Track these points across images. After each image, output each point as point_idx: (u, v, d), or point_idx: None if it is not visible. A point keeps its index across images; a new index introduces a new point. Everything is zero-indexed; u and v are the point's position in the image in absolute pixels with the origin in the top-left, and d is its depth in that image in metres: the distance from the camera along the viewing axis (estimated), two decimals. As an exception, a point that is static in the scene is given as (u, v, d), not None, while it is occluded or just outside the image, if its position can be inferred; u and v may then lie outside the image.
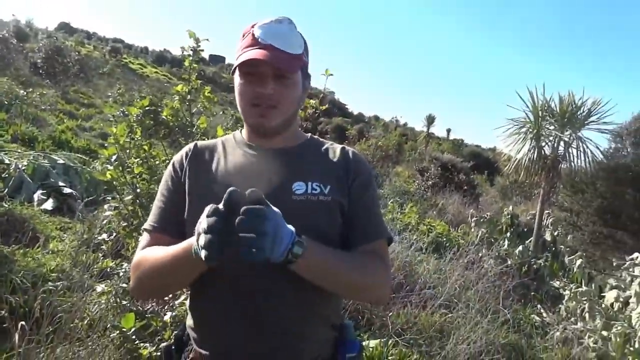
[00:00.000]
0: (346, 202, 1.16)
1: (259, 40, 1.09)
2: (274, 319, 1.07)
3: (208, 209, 0.90)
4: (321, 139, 1.31)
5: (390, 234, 1.25)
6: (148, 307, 2.37)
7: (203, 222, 0.89)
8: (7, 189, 5.28)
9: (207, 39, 2.51)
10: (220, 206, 0.89)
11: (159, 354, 1.97)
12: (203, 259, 0.88)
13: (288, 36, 1.13)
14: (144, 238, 1.18)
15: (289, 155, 1.19)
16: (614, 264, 6.05)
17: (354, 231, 1.17)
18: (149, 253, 1.12)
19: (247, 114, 1.15)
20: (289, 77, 1.12)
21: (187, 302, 1.22)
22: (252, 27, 1.12)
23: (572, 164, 7.53)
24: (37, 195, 5.31)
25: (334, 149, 1.25)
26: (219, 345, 1.11)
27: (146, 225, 1.19)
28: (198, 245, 0.90)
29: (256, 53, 1.07)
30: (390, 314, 3.79)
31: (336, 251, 1.11)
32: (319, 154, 1.23)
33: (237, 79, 1.15)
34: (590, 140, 7.48)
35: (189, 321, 1.19)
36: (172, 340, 1.23)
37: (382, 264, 1.16)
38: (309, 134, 1.30)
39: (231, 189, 0.89)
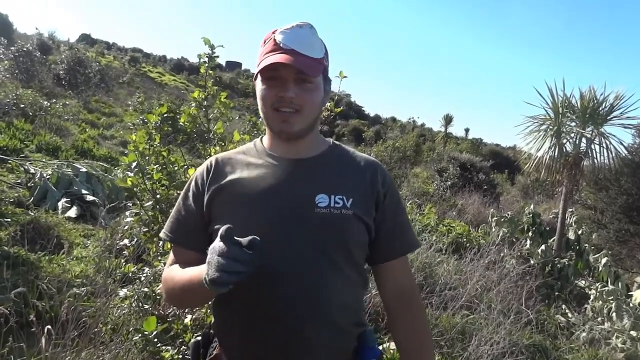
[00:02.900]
0: (372, 216, 1.17)
1: (281, 45, 1.10)
2: (299, 326, 1.08)
3: (220, 245, 0.91)
4: (344, 147, 1.30)
5: (419, 242, 1.33)
6: (169, 311, 2.41)
7: (217, 257, 0.90)
8: (32, 198, 5.42)
9: (222, 46, 2.54)
10: (243, 244, 0.90)
11: (180, 356, 1.99)
12: (213, 280, 0.90)
13: (309, 40, 1.13)
14: (171, 253, 1.24)
15: (311, 167, 1.19)
16: (642, 262, 5.89)
17: (390, 243, 1.21)
18: (171, 273, 1.17)
19: (269, 119, 1.15)
20: (311, 81, 1.13)
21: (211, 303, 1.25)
22: (273, 33, 1.13)
23: (595, 160, 7.35)
24: (62, 203, 5.44)
25: (359, 161, 1.25)
26: (241, 348, 1.14)
27: (163, 235, 1.23)
28: (207, 275, 0.92)
29: (278, 57, 1.08)
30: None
31: (418, 350, 1.22)
32: (342, 165, 1.23)
33: (259, 85, 1.15)
34: (614, 135, 7.29)
35: (215, 326, 1.23)
36: (200, 337, 1.26)
37: (412, 294, 1.26)
38: (331, 140, 1.29)
39: (254, 238, 0.91)
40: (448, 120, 34.41)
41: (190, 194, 1.21)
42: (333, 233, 1.11)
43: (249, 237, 0.90)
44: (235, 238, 0.90)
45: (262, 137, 1.28)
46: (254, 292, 1.07)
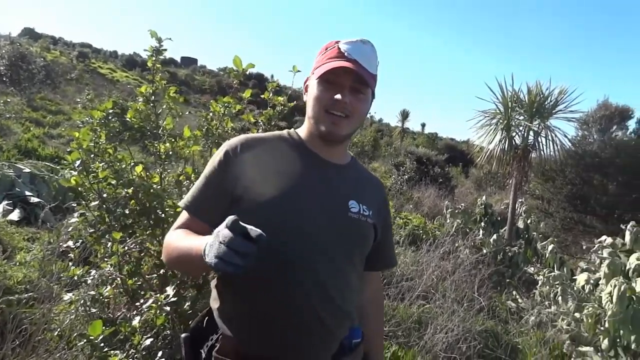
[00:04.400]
0: (380, 230, 1.32)
1: (346, 54, 1.19)
2: (317, 314, 1.16)
3: (230, 229, 0.90)
4: (358, 161, 1.43)
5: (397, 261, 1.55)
6: (119, 314, 2.32)
7: (219, 243, 0.91)
8: (-30, 201, 5.09)
9: (170, 38, 2.45)
10: (253, 234, 0.90)
11: (130, 360, 1.93)
12: (210, 265, 0.91)
13: (370, 57, 1.22)
14: (183, 215, 1.26)
15: (344, 173, 1.30)
16: (584, 247, 6.22)
17: (381, 256, 1.41)
18: (175, 237, 1.20)
19: (319, 119, 1.22)
20: (364, 92, 1.22)
21: (215, 291, 1.26)
22: (337, 42, 1.23)
23: (542, 152, 7.68)
24: (2, 206, 5.13)
25: (374, 179, 1.43)
26: (253, 334, 1.16)
27: (182, 203, 1.25)
28: (206, 256, 0.93)
29: (345, 63, 1.17)
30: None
31: (380, 345, 1.56)
32: (365, 179, 1.38)
33: (314, 86, 1.22)
34: (559, 128, 7.66)
35: (223, 308, 1.22)
36: (189, 332, 1.27)
37: (382, 298, 1.59)
38: (351, 153, 1.41)
39: (261, 234, 0.90)
40: (405, 115, 35.04)
41: (219, 169, 1.22)
42: (358, 237, 1.25)
43: (258, 231, 0.90)
44: (243, 225, 0.90)
45: (295, 130, 1.34)
46: (279, 280, 1.14)
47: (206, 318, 1.27)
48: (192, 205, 1.23)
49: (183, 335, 1.25)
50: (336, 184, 1.25)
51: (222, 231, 0.91)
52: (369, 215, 1.26)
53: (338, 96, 1.17)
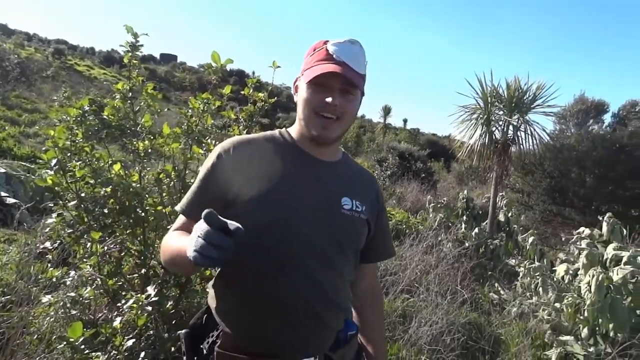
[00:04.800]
0: (373, 224, 1.34)
1: (334, 56, 1.20)
2: (312, 310, 1.19)
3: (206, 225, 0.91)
4: (349, 157, 1.44)
5: (395, 251, 1.57)
6: (100, 315, 2.28)
7: (197, 237, 0.92)
8: (-58, 203, 4.94)
9: (147, 34, 2.40)
10: (231, 227, 0.90)
11: (112, 362, 1.89)
12: (191, 259, 0.92)
13: (358, 57, 1.23)
14: (180, 219, 1.28)
15: (335, 170, 1.31)
16: (563, 239, 6.35)
17: (376, 250, 1.41)
18: (170, 238, 1.22)
19: (309, 122, 1.23)
20: (353, 93, 1.24)
21: (212, 290, 1.28)
22: (325, 43, 1.23)
23: (521, 146, 7.80)
24: (-23, 207, 4.99)
25: (365, 173, 1.44)
26: (251, 331, 1.18)
27: (178, 207, 1.27)
28: (190, 244, 0.93)
29: (332, 66, 1.18)
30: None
31: (381, 337, 1.52)
32: (356, 174, 1.38)
33: (303, 88, 1.23)
34: (537, 123, 7.77)
35: (221, 307, 1.24)
36: (190, 329, 1.28)
37: (379, 289, 1.55)
38: (342, 148, 1.41)
39: (239, 227, 0.91)
40: (387, 111, 35.20)
41: (213, 172, 1.23)
42: (352, 233, 1.28)
43: (235, 225, 0.90)
44: (221, 219, 0.90)
45: (286, 130, 1.35)
46: (273, 278, 1.16)
47: (205, 315, 1.29)
48: (187, 208, 1.25)
49: (183, 331, 1.27)
50: (328, 182, 1.27)
51: (201, 225, 0.91)
52: (362, 211, 1.29)
53: (329, 99, 1.19)
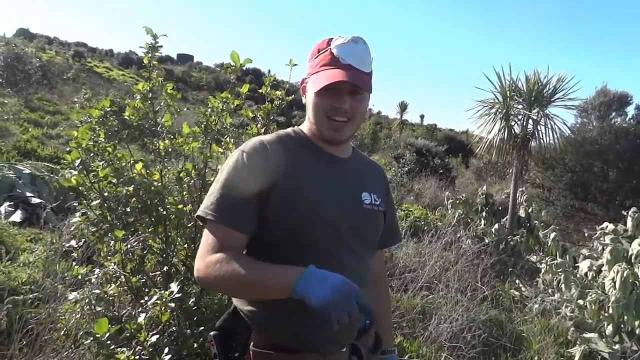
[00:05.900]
0: (388, 214, 1.39)
1: (339, 59, 1.20)
2: None
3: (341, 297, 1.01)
4: (359, 150, 1.46)
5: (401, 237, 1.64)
6: (124, 312, 2.32)
7: (354, 311, 1.01)
8: (-29, 204, 5.09)
9: (166, 35, 2.44)
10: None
11: (137, 357, 1.93)
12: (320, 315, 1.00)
13: (364, 56, 1.23)
14: (214, 232, 1.16)
15: (350, 166, 1.33)
16: (586, 234, 6.23)
17: (388, 235, 1.46)
18: (233, 263, 1.10)
19: (322, 126, 1.24)
20: (362, 93, 1.24)
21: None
22: (329, 44, 1.23)
23: (542, 141, 7.65)
24: (4, 207, 5.13)
25: (375, 165, 1.48)
26: (285, 328, 1.19)
27: (202, 213, 1.18)
28: (309, 299, 1.01)
29: (340, 74, 1.18)
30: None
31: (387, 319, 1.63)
32: (369, 168, 1.42)
33: (311, 92, 1.23)
34: (558, 116, 7.61)
35: (250, 306, 1.23)
36: (218, 331, 1.26)
37: (385, 273, 1.65)
38: (351, 143, 1.41)
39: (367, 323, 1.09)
40: (403, 107, 34.91)
41: (240, 174, 1.18)
42: (373, 226, 1.32)
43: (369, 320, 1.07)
44: (368, 304, 1.04)
45: (299, 127, 1.34)
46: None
47: (231, 316, 1.28)
48: (221, 216, 1.16)
49: (212, 333, 1.25)
50: (348, 178, 1.30)
51: (350, 301, 1.01)
52: (379, 204, 1.33)
53: (339, 104, 1.20)
